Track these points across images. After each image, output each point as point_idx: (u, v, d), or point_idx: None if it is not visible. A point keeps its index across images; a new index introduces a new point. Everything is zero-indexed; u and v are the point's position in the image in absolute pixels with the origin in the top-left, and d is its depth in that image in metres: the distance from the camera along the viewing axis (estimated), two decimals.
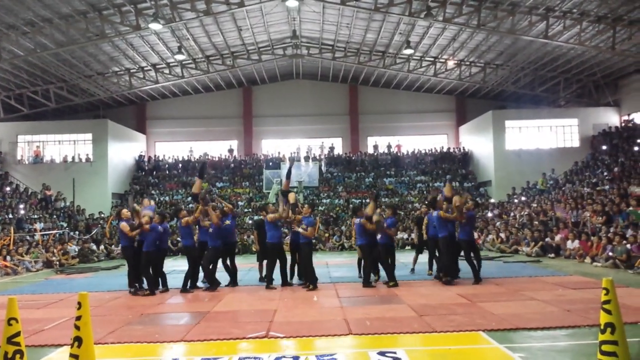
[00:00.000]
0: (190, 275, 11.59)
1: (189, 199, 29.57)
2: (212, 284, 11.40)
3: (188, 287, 11.50)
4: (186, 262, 11.96)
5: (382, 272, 12.02)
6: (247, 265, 14.06)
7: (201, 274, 12.07)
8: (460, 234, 11.83)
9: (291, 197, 12.38)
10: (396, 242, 22.46)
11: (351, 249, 21.72)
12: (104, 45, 24.78)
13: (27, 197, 26.50)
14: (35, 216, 24.18)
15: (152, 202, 13.58)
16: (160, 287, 11.69)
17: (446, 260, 11.72)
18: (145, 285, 11.48)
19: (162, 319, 8.79)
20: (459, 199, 12.19)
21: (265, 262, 12.91)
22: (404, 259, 17.42)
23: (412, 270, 13.90)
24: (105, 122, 30.88)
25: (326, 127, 35.40)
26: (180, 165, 34.29)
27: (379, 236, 11.80)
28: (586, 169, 26.93)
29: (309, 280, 11.37)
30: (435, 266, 12.88)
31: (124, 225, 11.29)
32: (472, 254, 11.91)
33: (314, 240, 22.34)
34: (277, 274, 11.86)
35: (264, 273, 12.95)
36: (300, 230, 11.47)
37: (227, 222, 12.09)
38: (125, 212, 11.90)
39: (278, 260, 11.74)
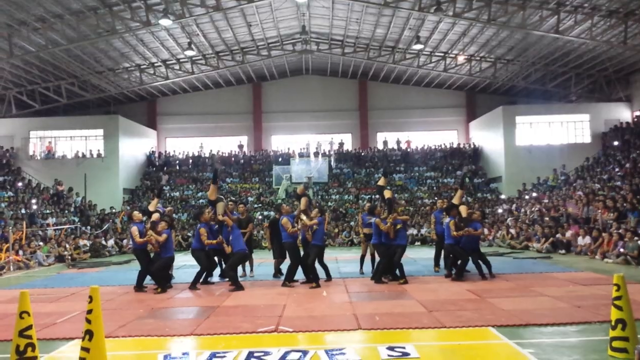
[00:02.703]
0: (199, 275, 11.57)
1: (199, 194, 29.83)
2: (236, 286, 11.12)
3: (200, 281, 11.54)
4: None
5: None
6: (257, 261, 14.11)
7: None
8: (465, 243, 11.76)
9: (303, 202, 12.46)
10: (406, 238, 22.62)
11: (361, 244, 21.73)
12: (115, 41, 24.88)
13: (39, 193, 26.72)
14: (48, 211, 24.39)
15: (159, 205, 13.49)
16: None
17: (461, 263, 11.67)
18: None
19: (173, 313, 8.84)
20: (466, 209, 12.20)
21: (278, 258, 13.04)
22: (413, 254, 17.45)
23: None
24: (116, 117, 31.05)
25: (336, 123, 35.38)
26: (190, 160, 34.42)
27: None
28: (597, 164, 26.74)
29: (313, 277, 11.37)
30: (442, 263, 12.89)
31: (133, 230, 11.28)
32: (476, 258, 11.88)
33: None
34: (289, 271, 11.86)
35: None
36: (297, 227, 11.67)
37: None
38: (137, 214, 11.93)
39: (292, 259, 11.72)
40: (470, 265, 12.00)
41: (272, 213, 22.90)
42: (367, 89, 35.82)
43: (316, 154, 32.52)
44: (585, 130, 30.32)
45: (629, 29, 21.69)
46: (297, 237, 11.88)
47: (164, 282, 11.27)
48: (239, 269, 13.07)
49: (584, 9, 21.23)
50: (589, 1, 20.52)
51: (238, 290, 10.85)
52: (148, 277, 11.45)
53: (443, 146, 34.39)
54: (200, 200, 28.66)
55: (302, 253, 11.89)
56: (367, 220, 12.68)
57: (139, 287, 11.24)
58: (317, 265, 11.65)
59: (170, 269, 12.14)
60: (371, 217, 12.32)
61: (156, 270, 11.12)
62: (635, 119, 28.69)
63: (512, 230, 21.24)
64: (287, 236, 11.59)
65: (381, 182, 13.02)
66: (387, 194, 12.43)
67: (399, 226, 11.51)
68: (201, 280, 11.61)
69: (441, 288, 10.59)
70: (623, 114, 29.52)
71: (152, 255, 11.57)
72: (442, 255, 12.87)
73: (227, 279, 11.56)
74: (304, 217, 11.73)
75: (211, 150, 34.70)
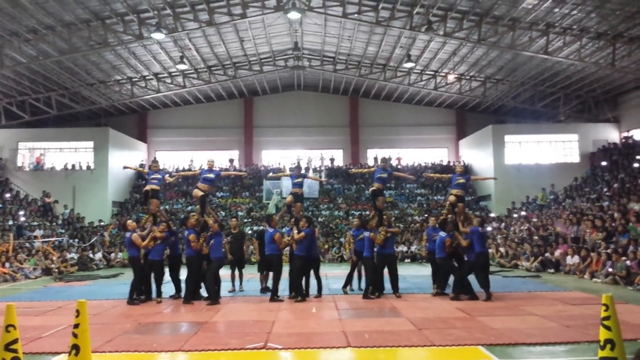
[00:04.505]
0: (191, 286, 11.51)
1: (189, 208, 29.67)
2: (214, 297, 11.21)
3: (190, 297, 11.47)
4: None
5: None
6: (246, 276, 14.04)
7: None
8: (477, 247, 11.75)
9: (297, 207, 12.61)
10: (396, 255, 22.63)
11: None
12: (107, 53, 24.84)
13: (27, 204, 26.49)
14: (35, 223, 24.15)
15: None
16: (175, 293, 12.01)
17: (456, 278, 11.65)
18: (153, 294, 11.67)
19: (160, 329, 8.76)
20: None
21: (264, 272, 13.03)
22: (403, 271, 17.40)
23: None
24: (106, 130, 30.92)
25: (327, 139, 35.45)
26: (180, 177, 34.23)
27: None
28: (586, 184, 26.94)
29: (298, 292, 11.38)
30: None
31: (136, 237, 11.32)
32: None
33: None
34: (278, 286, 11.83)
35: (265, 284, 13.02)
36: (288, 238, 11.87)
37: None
38: (131, 223, 11.98)
39: (275, 271, 11.70)
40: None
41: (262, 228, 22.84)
42: (358, 106, 35.98)
43: (307, 170, 32.50)
44: (573, 150, 30.62)
45: (617, 51, 21.99)
46: (282, 250, 11.97)
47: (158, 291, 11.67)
48: (229, 284, 13.04)
49: (572, 31, 21.52)
50: (577, 23, 20.80)
51: (214, 304, 10.88)
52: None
53: (434, 164, 34.51)
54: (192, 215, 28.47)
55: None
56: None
57: (132, 299, 11.24)
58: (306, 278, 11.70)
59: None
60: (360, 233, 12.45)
61: (209, 274, 11.29)
62: (623, 140, 29.01)
63: (502, 249, 21.29)
64: (274, 249, 11.61)
65: (379, 203, 12.96)
66: (379, 203, 12.60)
67: (388, 235, 11.92)
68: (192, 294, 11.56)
69: (431, 306, 10.58)
70: (611, 134, 29.85)
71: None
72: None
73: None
74: (295, 230, 11.76)
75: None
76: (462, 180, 12.76)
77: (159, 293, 11.61)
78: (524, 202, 28.43)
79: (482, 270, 11.57)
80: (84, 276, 18.31)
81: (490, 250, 21.44)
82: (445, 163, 34.59)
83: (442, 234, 11.89)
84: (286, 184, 28.62)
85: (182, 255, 12.76)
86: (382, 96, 34.94)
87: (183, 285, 11.89)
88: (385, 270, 12.26)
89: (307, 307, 10.64)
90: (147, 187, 12.56)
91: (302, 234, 11.38)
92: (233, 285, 13.19)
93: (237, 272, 13.33)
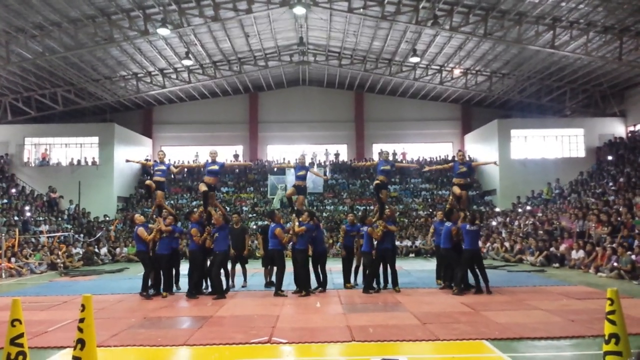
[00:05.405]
0: (195, 280, 11.57)
1: (194, 203, 29.76)
2: (219, 292, 11.23)
3: (193, 291, 11.51)
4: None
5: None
6: (251, 271, 14.07)
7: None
8: (465, 244, 11.70)
9: (300, 200, 12.63)
10: (400, 250, 22.65)
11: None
12: (112, 49, 24.87)
13: (32, 200, 26.60)
14: (41, 218, 24.26)
15: None
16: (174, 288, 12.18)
17: (459, 271, 11.50)
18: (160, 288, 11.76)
19: (165, 323, 8.79)
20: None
21: (269, 267, 13.06)
22: (407, 266, 17.44)
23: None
24: (112, 125, 30.99)
25: (332, 134, 35.44)
26: (185, 169, 34.28)
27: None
28: (591, 179, 26.84)
29: (303, 286, 11.41)
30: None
31: (141, 231, 11.38)
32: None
33: None
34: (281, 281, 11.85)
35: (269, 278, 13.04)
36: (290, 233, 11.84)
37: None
38: (138, 217, 12.03)
39: (279, 266, 11.72)
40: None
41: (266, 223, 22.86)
42: (364, 101, 35.93)
43: (311, 165, 32.50)
44: (579, 144, 30.47)
45: (624, 45, 21.87)
46: (285, 245, 11.98)
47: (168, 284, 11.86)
48: (230, 281, 13.02)
49: (579, 25, 21.39)
50: (584, 17, 20.68)
51: (220, 299, 10.86)
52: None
53: (438, 158, 34.42)
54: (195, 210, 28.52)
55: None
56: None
57: (145, 292, 11.30)
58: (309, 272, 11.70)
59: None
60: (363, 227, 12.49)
61: (216, 268, 11.37)
62: (629, 134, 28.87)
63: (506, 243, 21.24)
64: (276, 243, 11.62)
65: (383, 196, 13.00)
66: (382, 196, 12.62)
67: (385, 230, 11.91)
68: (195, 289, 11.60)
69: (435, 300, 10.58)
70: (617, 128, 29.70)
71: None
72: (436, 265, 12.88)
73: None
74: (296, 222, 11.78)
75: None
76: (464, 169, 12.75)
77: (166, 287, 11.65)
78: (529, 196, 28.36)
79: (462, 265, 11.49)
80: (89, 271, 18.38)
81: (495, 245, 21.49)
82: (450, 158, 34.49)
83: (448, 223, 11.85)
84: (290, 179, 28.65)
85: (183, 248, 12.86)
86: (388, 91, 34.85)
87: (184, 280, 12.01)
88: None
89: (311, 301, 10.66)
90: (150, 180, 12.59)
91: (302, 227, 11.39)
92: (232, 281, 13.04)
93: (239, 268, 13.34)
